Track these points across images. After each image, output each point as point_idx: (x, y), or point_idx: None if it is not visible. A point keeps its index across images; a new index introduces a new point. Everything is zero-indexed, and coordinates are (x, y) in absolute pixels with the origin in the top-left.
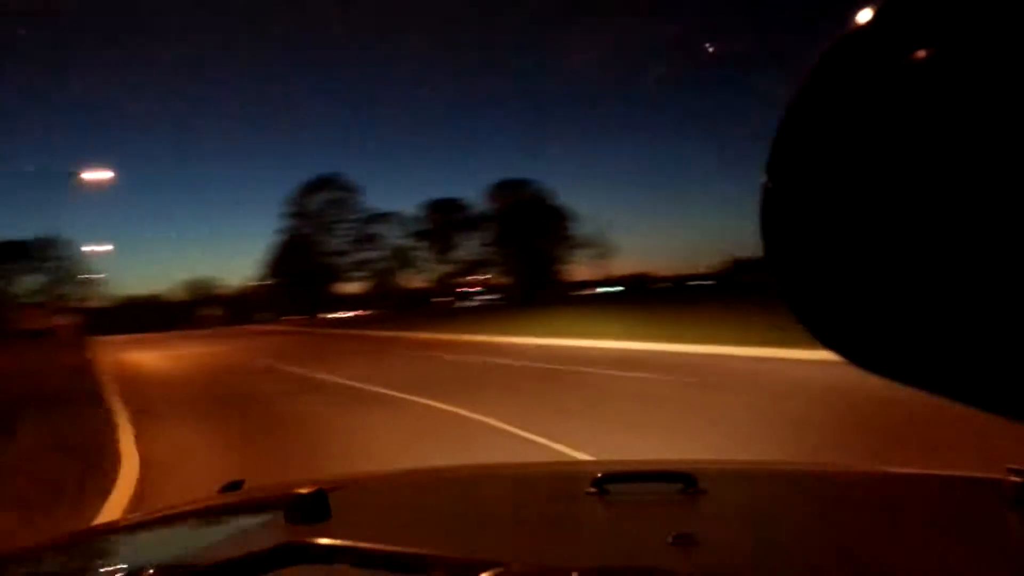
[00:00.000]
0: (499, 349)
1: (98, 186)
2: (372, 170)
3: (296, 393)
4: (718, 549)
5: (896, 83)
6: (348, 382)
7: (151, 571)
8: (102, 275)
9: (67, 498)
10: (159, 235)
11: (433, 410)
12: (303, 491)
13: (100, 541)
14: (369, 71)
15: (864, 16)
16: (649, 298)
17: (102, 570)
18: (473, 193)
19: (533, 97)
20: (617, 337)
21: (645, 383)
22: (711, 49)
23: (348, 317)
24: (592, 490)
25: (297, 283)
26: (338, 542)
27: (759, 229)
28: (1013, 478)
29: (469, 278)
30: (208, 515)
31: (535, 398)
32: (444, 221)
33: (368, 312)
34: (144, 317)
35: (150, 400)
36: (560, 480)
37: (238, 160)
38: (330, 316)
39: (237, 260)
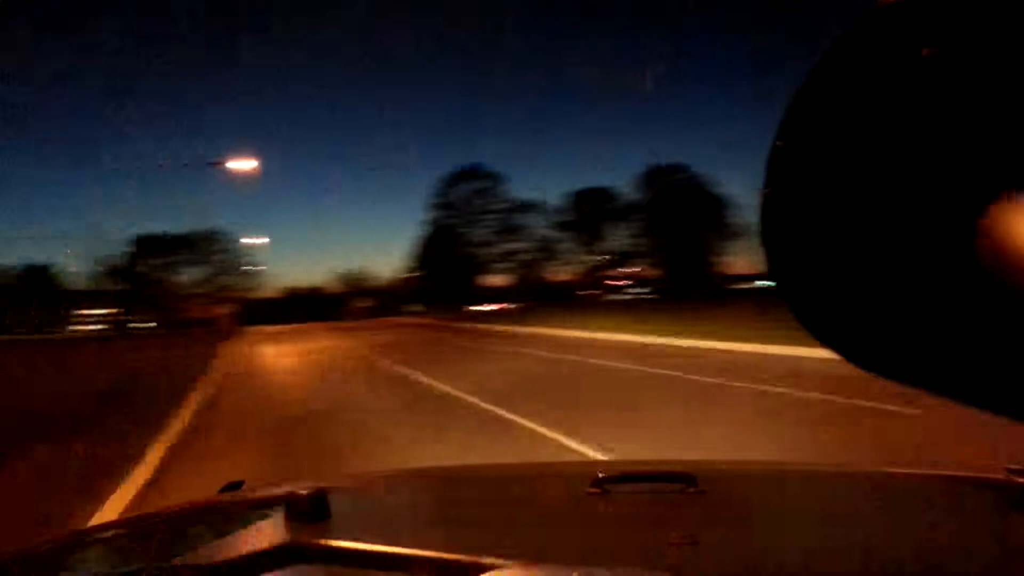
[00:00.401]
0: (666, 355)
1: (245, 176)
2: (517, 159)
3: (399, 414)
4: (718, 549)
5: (896, 86)
6: (473, 399)
7: (152, 571)
8: (262, 267)
9: None
10: (314, 228)
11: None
12: (303, 491)
13: (100, 541)
14: (515, 60)
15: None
16: None
17: (102, 570)
18: (621, 182)
19: (688, 82)
20: (803, 343)
21: (912, 424)
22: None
23: (492, 310)
24: (593, 490)
25: (443, 275)
26: (338, 542)
27: (759, 232)
28: (1013, 478)
29: (618, 271)
30: (208, 515)
31: (769, 440)
32: (591, 211)
33: (512, 305)
34: (300, 308)
35: (224, 415)
36: (561, 480)
37: (389, 150)
38: (474, 309)
39: (390, 251)
